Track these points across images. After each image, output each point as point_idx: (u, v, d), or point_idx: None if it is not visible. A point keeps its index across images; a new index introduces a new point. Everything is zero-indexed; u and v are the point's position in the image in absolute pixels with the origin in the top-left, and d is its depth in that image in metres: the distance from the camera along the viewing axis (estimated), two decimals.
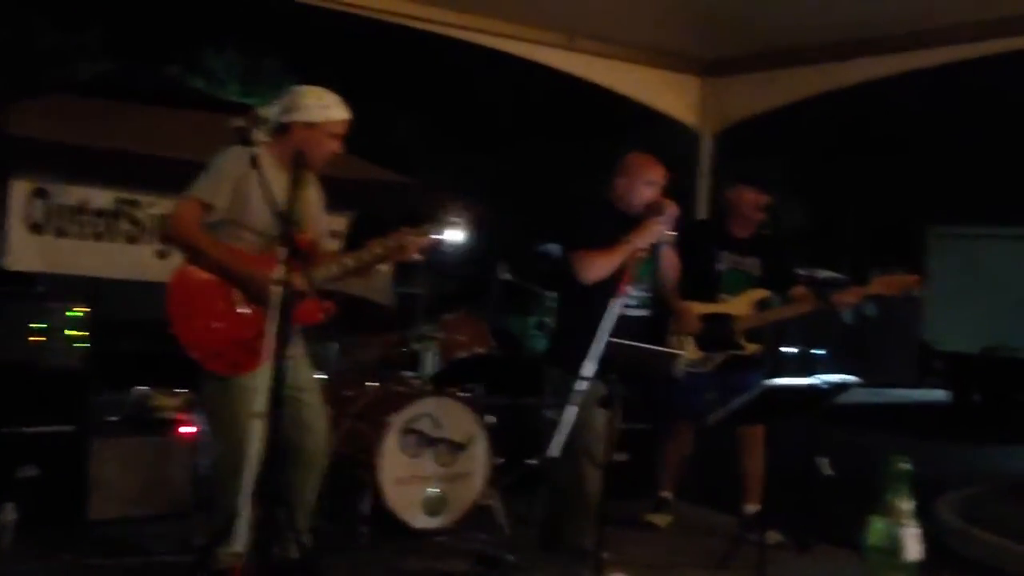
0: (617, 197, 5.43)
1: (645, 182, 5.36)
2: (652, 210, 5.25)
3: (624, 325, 5.01)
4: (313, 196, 4.76)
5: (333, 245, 4.97)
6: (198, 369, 4.50)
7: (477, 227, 4.87)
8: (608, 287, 5.03)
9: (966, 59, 6.47)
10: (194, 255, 4.51)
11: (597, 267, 5.20)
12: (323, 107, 4.58)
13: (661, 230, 5.22)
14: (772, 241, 6.47)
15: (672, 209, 5.23)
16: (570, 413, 4.72)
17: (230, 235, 4.52)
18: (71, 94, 8.54)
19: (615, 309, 4.83)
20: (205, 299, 4.46)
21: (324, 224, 4.94)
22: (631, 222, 5.27)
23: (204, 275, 4.47)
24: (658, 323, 5.65)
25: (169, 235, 4.71)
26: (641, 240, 5.18)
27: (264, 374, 4.03)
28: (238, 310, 4.47)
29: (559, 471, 5.22)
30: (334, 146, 4.62)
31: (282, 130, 4.59)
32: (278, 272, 4.02)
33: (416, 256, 4.72)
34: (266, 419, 3.95)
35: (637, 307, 5.32)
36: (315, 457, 4.71)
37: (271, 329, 3.98)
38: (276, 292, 4.00)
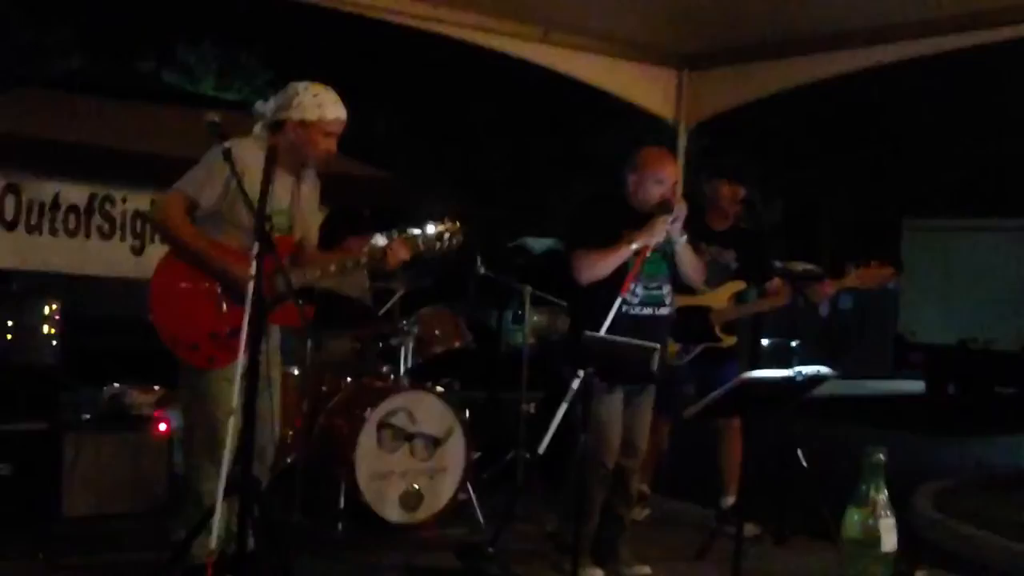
0: (629, 193, 5.31)
1: (654, 180, 5.20)
2: (660, 208, 5.14)
3: (648, 325, 5.07)
4: (308, 194, 4.75)
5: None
6: (175, 361, 4.48)
7: (467, 236, 4.78)
8: (610, 286, 5.01)
9: (940, 52, 6.48)
10: (176, 246, 4.51)
11: (593, 266, 5.12)
12: (317, 105, 4.53)
13: (669, 229, 5.12)
14: (749, 234, 6.48)
15: (681, 208, 5.14)
16: (562, 411, 4.69)
17: (219, 229, 4.51)
18: (43, 88, 8.45)
19: (617, 307, 4.84)
20: (186, 292, 4.45)
21: (316, 223, 4.90)
22: (643, 219, 5.16)
23: (187, 268, 4.46)
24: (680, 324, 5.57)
25: (154, 224, 4.71)
26: (644, 239, 5.07)
27: (239, 368, 4.00)
28: (217, 305, 4.45)
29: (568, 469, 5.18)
30: (328, 145, 4.59)
31: (276, 127, 4.56)
32: (251, 267, 4.00)
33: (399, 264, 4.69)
34: (239, 414, 3.94)
35: (643, 305, 5.20)
36: (266, 450, 4.67)
37: (245, 324, 3.96)
38: (250, 287, 3.98)
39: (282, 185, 4.54)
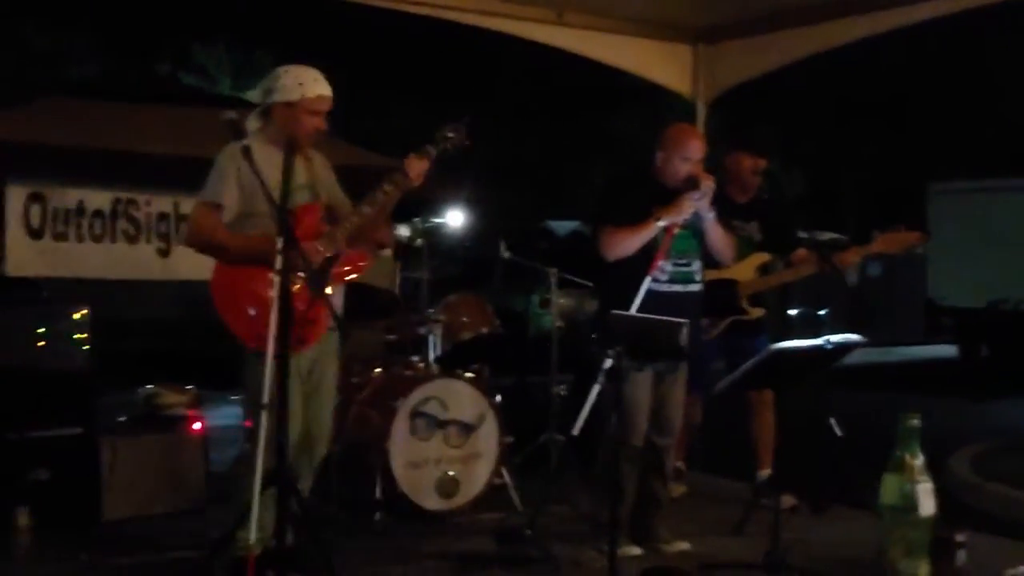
0: (657, 171, 5.31)
1: (681, 157, 5.21)
2: (687, 185, 5.14)
3: (678, 302, 5.06)
4: (320, 167, 4.80)
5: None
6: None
7: (472, 138, 4.84)
8: (639, 263, 5.01)
9: (958, 12, 6.42)
10: (219, 253, 4.56)
11: (620, 243, 5.13)
12: (299, 85, 4.58)
13: (696, 206, 5.12)
14: (772, 205, 6.46)
15: (708, 184, 5.14)
16: (595, 391, 4.70)
17: (249, 225, 4.55)
18: (63, 96, 8.48)
19: (647, 285, 4.85)
20: (249, 288, 4.46)
21: (339, 188, 4.91)
22: (672, 196, 5.16)
23: (242, 266, 4.49)
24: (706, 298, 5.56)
25: (190, 242, 4.75)
26: (672, 216, 5.09)
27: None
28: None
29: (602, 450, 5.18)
30: (316, 122, 4.62)
31: (267, 112, 4.63)
32: (278, 262, 4.03)
33: (422, 175, 4.71)
34: (275, 407, 3.99)
35: (672, 282, 5.19)
36: (317, 443, 4.72)
37: (274, 316, 4.00)
38: (275, 287, 4.03)
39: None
